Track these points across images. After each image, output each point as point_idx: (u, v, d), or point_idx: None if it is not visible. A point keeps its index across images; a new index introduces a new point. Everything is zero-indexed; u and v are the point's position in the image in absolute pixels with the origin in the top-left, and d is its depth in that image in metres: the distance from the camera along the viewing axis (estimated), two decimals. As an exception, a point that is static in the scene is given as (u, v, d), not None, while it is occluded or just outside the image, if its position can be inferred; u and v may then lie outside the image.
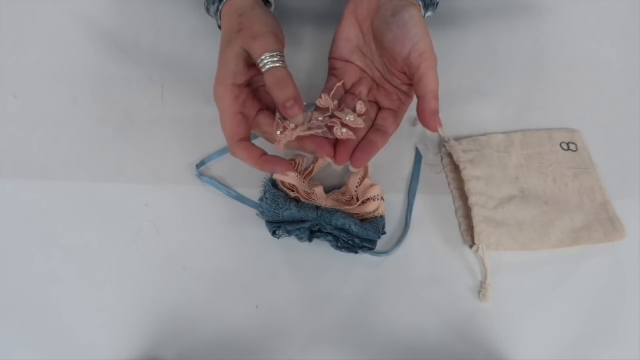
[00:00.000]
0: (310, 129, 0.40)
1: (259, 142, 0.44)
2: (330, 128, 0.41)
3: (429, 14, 0.46)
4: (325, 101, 0.42)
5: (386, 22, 0.42)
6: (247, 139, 0.41)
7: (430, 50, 0.40)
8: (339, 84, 0.44)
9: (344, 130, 0.40)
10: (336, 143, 0.43)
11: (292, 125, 0.40)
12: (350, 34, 0.45)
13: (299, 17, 0.59)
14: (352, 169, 0.43)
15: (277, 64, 0.39)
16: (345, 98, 0.45)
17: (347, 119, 0.41)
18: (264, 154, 0.40)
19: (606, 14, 0.61)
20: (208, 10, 0.47)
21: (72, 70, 0.56)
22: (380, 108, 0.45)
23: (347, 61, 0.46)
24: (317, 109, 0.42)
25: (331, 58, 0.46)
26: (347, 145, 0.42)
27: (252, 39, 0.40)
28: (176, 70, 0.56)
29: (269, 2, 0.48)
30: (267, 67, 0.39)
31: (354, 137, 0.41)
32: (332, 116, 0.41)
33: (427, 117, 0.40)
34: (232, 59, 0.41)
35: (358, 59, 0.46)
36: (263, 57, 0.39)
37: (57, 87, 0.55)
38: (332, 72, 0.46)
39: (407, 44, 0.40)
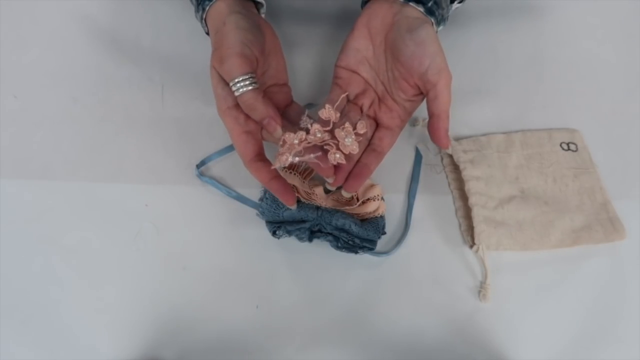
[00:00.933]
0: (308, 143, 0.40)
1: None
2: (325, 152, 0.40)
3: (440, 28, 0.46)
4: (328, 112, 0.41)
5: (402, 38, 0.42)
6: (259, 156, 0.42)
7: (446, 68, 0.41)
8: (344, 95, 0.44)
9: (337, 155, 0.40)
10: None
11: (291, 138, 0.40)
12: (361, 45, 0.45)
13: (302, 17, 0.59)
14: (344, 193, 0.44)
15: (247, 88, 0.39)
16: (349, 110, 0.45)
17: (345, 141, 0.41)
18: (274, 177, 0.41)
19: (606, 14, 0.61)
20: (197, 17, 0.47)
21: (72, 70, 0.56)
22: (377, 125, 0.45)
23: (353, 71, 0.45)
24: (320, 120, 0.42)
25: (337, 66, 0.46)
26: (343, 169, 0.42)
27: (220, 63, 0.40)
28: (176, 70, 0.56)
29: (260, 3, 0.46)
30: (237, 94, 0.39)
31: (344, 163, 0.41)
32: (331, 131, 0.41)
33: (441, 135, 0.42)
34: (216, 83, 0.41)
35: (364, 70, 0.45)
36: (231, 84, 0.39)
37: (57, 87, 0.55)
38: (336, 82, 0.46)
39: (425, 60, 0.41)
